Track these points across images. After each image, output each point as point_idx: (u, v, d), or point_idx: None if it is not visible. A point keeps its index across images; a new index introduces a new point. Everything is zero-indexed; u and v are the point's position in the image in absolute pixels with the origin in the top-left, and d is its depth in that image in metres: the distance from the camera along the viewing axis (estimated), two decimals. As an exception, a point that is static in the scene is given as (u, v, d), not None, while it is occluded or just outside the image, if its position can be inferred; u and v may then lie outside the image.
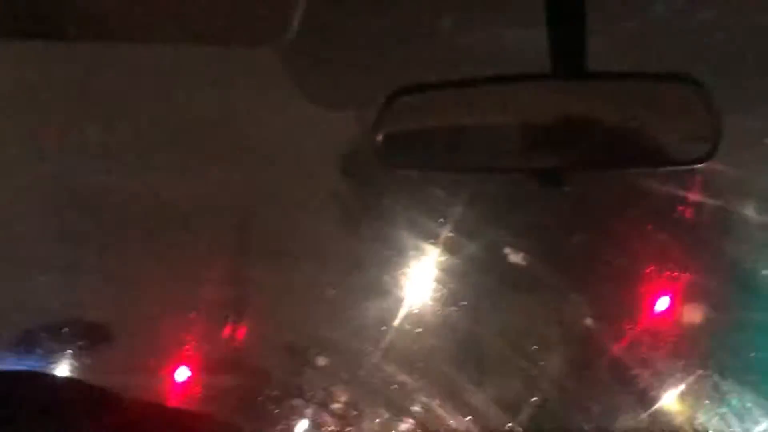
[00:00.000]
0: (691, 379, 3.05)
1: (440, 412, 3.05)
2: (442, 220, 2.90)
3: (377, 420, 3.10)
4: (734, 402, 3.04)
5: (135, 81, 2.63)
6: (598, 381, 3.05)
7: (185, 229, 3.10)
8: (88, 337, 3.35)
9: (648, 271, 2.99)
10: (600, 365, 3.05)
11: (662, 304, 3.03)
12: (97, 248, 3.07)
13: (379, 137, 1.57)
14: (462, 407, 3.08)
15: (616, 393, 3.02)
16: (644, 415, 3.02)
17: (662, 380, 3.05)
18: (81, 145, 2.73)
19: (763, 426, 3.02)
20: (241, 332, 3.29)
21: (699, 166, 1.54)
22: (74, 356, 3.23)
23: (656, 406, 3.03)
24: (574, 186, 2.39)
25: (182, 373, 3.28)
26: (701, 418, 3.04)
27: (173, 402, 3.27)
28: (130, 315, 3.26)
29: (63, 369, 3.19)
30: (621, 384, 3.03)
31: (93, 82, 2.62)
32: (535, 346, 3.04)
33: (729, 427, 3.03)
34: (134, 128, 2.80)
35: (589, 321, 3.02)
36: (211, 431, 0.88)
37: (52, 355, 3.15)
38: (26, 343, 3.16)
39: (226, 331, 3.28)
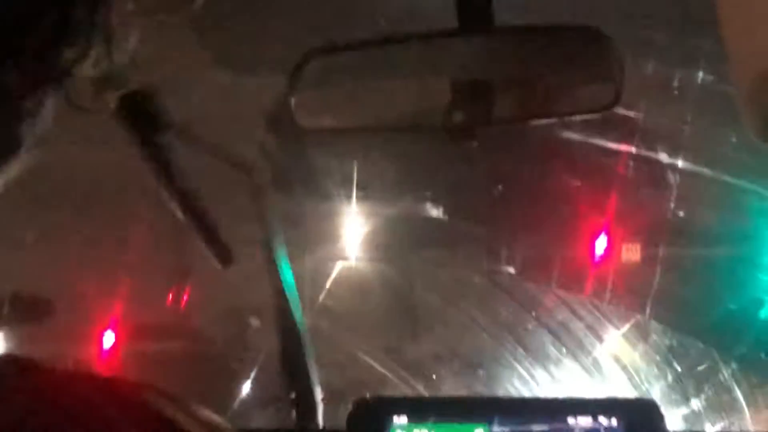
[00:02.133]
0: (622, 325, 3.11)
1: (374, 365, 3.09)
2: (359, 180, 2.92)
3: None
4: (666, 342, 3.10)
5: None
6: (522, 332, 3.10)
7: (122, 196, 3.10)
8: (22, 305, 3.34)
9: (565, 218, 3.04)
10: (523, 314, 3.10)
11: (585, 249, 3.08)
12: (30, 219, 3.06)
13: (294, 100, 1.58)
14: (397, 360, 3.12)
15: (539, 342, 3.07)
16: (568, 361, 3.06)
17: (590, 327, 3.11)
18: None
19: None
20: (180, 295, 3.30)
21: (605, 112, 1.57)
22: (8, 325, 3.22)
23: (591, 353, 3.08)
24: (486, 140, 2.43)
25: (112, 339, 3.29)
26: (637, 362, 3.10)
27: (107, 370, 3.28)
28: (63, 284, 3.26)
29: (-1, 342, 3.20)
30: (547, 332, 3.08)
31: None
32: (463, 298, 3.08)
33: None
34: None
35: (510, 270, 3.06)
36: (146, 399, 0.89)
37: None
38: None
39: (165, 295, 3.29)
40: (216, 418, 1.15)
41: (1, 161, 0.63)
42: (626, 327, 3.10)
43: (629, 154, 2.89)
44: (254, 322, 3.21)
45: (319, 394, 1.68)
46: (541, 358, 3.00)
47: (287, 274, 2.12)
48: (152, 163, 1.45)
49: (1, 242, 3.03)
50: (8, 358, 0.95)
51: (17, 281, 3.22)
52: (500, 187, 2.85)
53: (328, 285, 3.11)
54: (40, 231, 3.11)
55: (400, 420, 1.49)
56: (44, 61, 0.61)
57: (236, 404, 3.20)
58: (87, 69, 0.64)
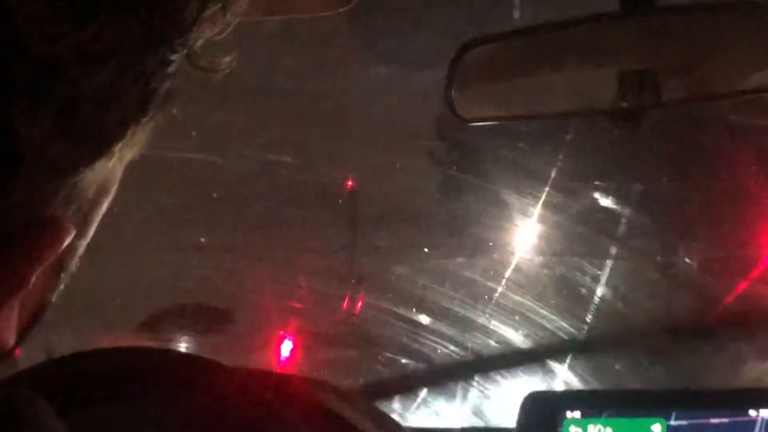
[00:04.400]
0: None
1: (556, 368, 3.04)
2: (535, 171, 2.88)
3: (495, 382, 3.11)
4: None
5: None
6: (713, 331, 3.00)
7: (292, 201, 3.14)
8: (203, 316, 3.42)
9: (744, 208, 2.93)
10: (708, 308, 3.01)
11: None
12: (205, 225, 3.13)
13: (453, 93, 1.56)
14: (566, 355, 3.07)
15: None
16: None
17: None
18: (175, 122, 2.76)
19: None
20: (354, 301, 3.32)
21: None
22: (191, 335, 3.31)
23: None
24: (654, 124, 2.36)
25: (290, 347, 3.33)
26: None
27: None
28: (242, 294, 3.32)
29: (181, 347, 3.28)
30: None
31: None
32: (641, 294, 3.01)
33: None
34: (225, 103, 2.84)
35: (686, 260, 2.98)
36: (322, 399, 0.90)
37: (168, 335, 3.23)
38: (147, 323, 3.25)
39: (340, 301, 3.32)
40: (391, 418, 1.15)
41: (129, 121, 0.62)
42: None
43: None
44: (425, 320, 3.20)
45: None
46: (723, 353, 2.90)
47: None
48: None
49: (178, 250, 3.11)
50: (193, 360, 0.97)
51: (198, 290, 3.30)
52: (668, 176, 2.78)
53: (504, 282, 3.08)
54: (217, 238, 3.18)
55: (574, 414, 1.45)
56: (165, 16, 0.60)
57: (413, 407, 3.21)
58: (207, 27, 0.63)
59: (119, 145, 0.62)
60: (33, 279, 0.62)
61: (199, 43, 0.63)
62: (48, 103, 0.56)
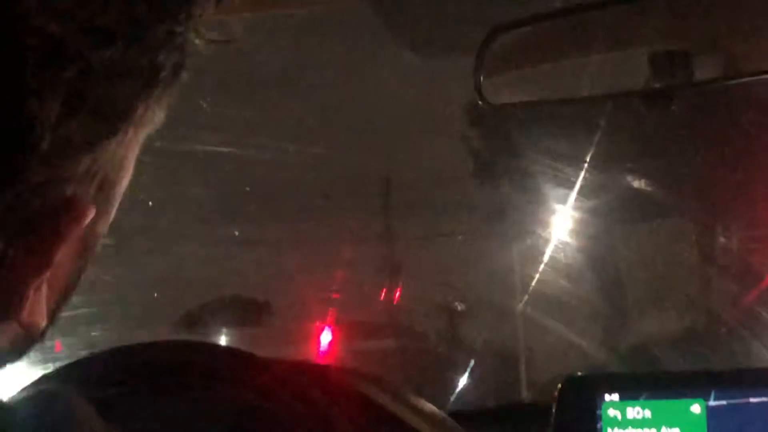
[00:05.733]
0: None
1: (585, 349, 3.03)
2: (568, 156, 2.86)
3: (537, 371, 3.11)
4: None
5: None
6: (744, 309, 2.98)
7: (329, 193, 3.15)
8: (242, 308, 3.43)
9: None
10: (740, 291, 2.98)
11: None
12: (240, 219, 3.14)
13: (482, 78, 1.56)
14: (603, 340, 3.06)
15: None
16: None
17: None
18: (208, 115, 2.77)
19: None
20: (393, 291, 3.33)
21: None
22: (229, 329, 3.32)
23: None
24: (685, 104, 2.34)
25: (329, 338, 3.34)
26: None
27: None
28: (280, 286, 3.32)
29: (220, 340, 3.29)
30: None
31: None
32: (678, 276, 2.99)
33: None
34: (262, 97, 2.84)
35: (723, 240, 2.95)
36: (359, 388, 0.90)
37: (207, 329, 3.25)
38: (185, 318, 3.27)
39: (377, 291, 3.32)
40: (427, 404, 1.15)
41: (140, 95, 0.63)
42: None
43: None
44: (459, 306, 3.20)
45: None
46: (763, 335, 2.88)
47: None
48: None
49: (214, 244, 3.12)
50: (233, 354, 0.97)
51: (236, 283, 3.31)
52: (703, 157, 2.75)
53: (541, 268, 3.07)
54: (252, 231, 3.19)
55: (612, 397, 1.45)
56: None
57: (453, 397, 3.21)
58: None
59: (133, 120, 0.63)
60: (57, 258, 0.63)
61: (205, 15, 0.64)
62: (58, 80, 0.56)
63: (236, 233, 3.13)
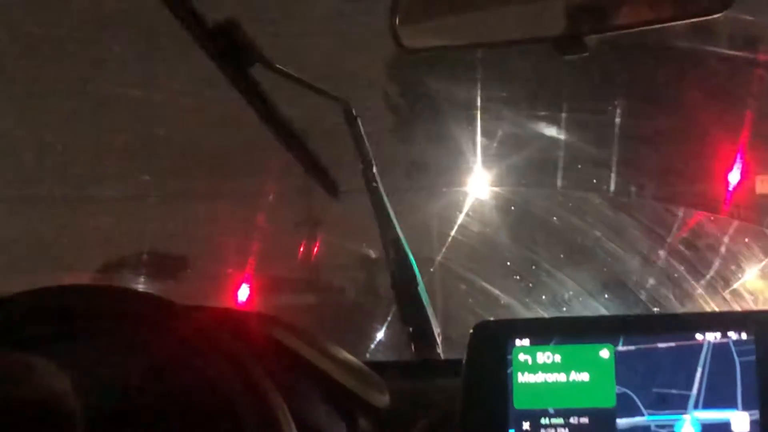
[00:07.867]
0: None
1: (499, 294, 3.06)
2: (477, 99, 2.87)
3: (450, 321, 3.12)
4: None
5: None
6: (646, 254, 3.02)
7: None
8: (162, 264, 3.41)
9: (689, 134, 2.94)
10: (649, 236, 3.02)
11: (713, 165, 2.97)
12: (158, 169, 3.10)
13: (396, 21, 1.54)
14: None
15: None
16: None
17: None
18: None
19: None
20: (311, 245, 3.33)
21: (717, 15, 1.48)
22: (147, 281, 3.29)
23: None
24: (596, 51, 2.35)
25: (246, 293, 3.33)
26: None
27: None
28: (197, 239, 3.30)
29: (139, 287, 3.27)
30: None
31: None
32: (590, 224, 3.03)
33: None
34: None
35: (636, 191, 2.99)
36: (271, 332, 0.90)
37: (125, 282, 3.22)
38: (103, 270, 3.23)
39: (296, 246, 3.32)
40: (342, 351, 1.15)
41: None
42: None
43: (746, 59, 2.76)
44: (372, 253, 3.21)
45: (437, 325, 1.66)
46: (668, 281, 2.93)
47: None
48: (249, 97, 1.43)
49: (131, 197, 3.09)
50: (147, 298, 0.96)
51: (152, 236, 3.28)
52: (617, 102, 2.77)
53: (460, 217, 3.09)
54: (171, 183, 3.16)
55: (522, 342, 1.45)
56: None
57: (371, 348, 3.22)
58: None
59: None
60: None
61: None
62: None
63: (154, 184, 3.10)
